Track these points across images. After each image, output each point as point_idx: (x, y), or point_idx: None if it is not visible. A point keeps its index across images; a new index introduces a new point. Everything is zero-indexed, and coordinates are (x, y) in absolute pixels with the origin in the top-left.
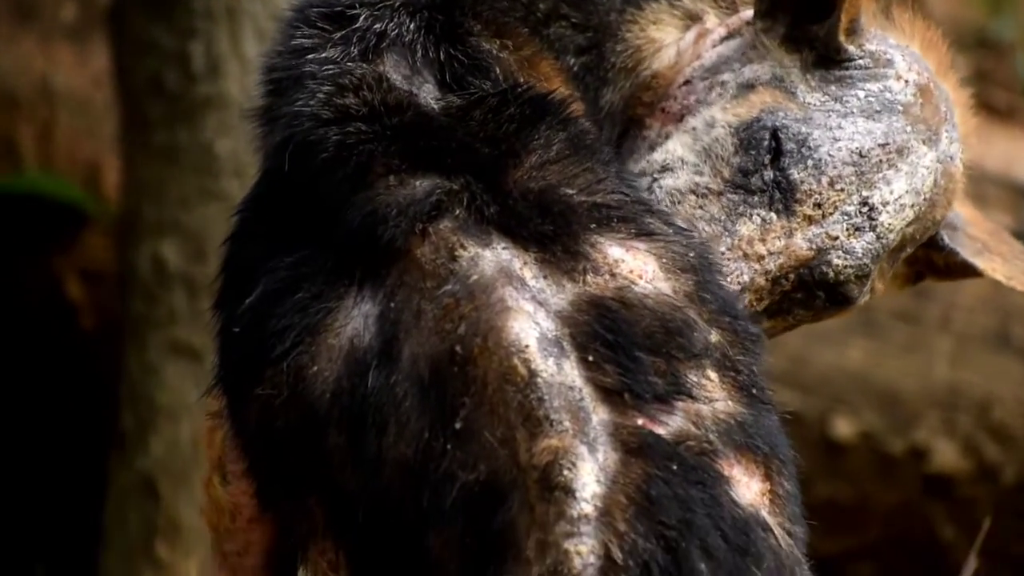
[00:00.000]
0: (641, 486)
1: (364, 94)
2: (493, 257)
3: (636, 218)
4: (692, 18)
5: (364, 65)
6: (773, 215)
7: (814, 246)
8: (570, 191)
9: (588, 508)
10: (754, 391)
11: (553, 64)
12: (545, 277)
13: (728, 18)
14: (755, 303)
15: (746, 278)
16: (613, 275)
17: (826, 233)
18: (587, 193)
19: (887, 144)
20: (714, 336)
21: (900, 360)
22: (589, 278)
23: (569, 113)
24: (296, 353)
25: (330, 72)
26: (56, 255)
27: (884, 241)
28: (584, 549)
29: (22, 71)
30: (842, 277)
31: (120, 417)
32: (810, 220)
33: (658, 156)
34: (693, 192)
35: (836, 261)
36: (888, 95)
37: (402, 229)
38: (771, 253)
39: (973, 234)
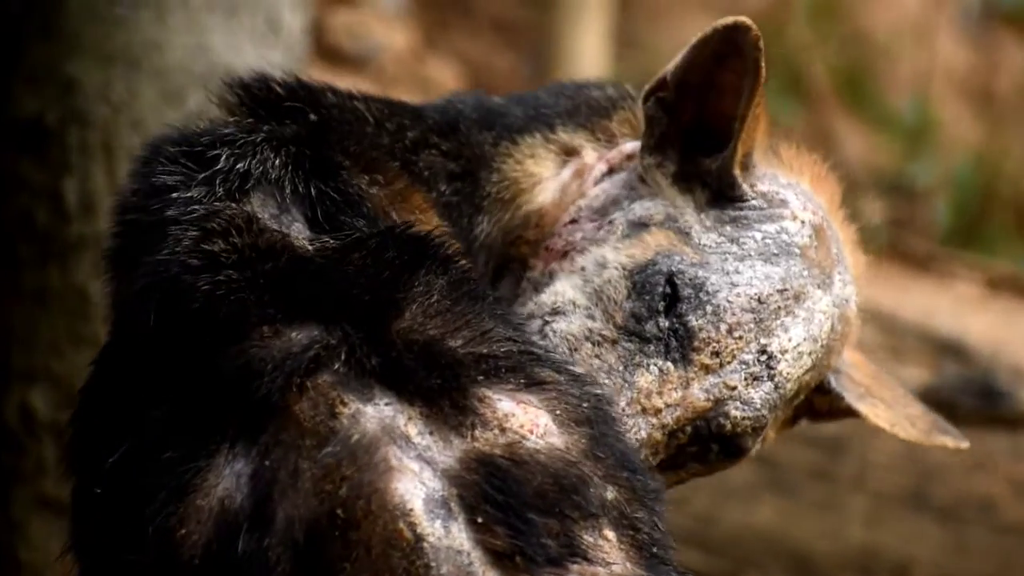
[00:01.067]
0: None
1: (233, 239)
2: (375, 413)
3: (525, 368)
4: (568, 152)
5: (232, 205)
6: (670, 364)
7: (711, 397)
8: (455, 342)
9: None
10: (654, 550)
11: (426, 196)
12: (431, 433)
13: (607, 151)
14: (651, 458)
15: (644, 434)
16: (503, 430)
17: (724, 383)
18: (474, 343)
19: (785, 289)
20: (610, 493)
21: (813, 520)
22: (478, 433)
23: (448, 254)
24: (164, 515)
25: (196, 215)
26: None
27: (782, 391)
28: None
29: None
30: (739, 429)
31: None
32: (707, 369)
33: (547, 298)
34: (588, 339)
35: (734, 412)
36: (785, 236)
37: (278, 385)
38: (668, 405)
39: (856, 378)
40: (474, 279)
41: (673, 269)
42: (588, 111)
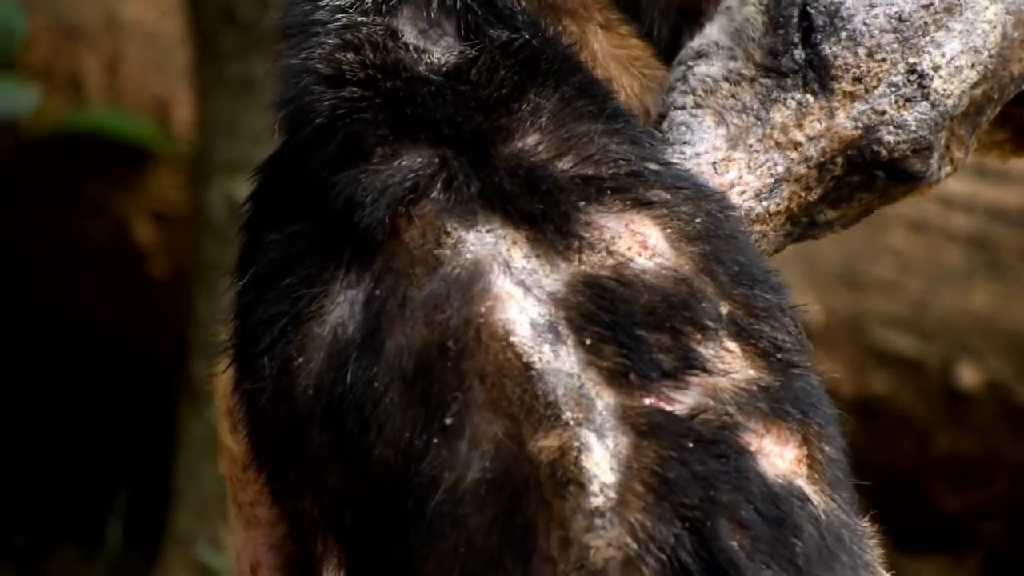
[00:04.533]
0: (656, 469)
1: (365, 54)
2: (477, 240)
3: (633, 188)
4: None
5: (377, 18)
6: (809, 96)
7: (860, 124)
8: (561, 166)
9: (601, 500)
10: (779, 355)
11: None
12: (537, 257)
13: None
14: (801, 194)
15: (780, 169)
16: (609, 252)
17: (872, 109)
18: (581, 166)
19: (931, 4)
20: (724, 308)
21: None
22: (584, 257)
23: (565, 67)
24: (283, 344)
25: (339, 24)
26: (123, 197)
27: (942, 109)
28: (601, 544)
29: (85, 0)
30: (896, 154)
31: (190, 366)
32: (852, 97)
33: (695, 43)
34: (727, 79)
35: (887, 138)
36: None
37: (379, 216)
38: (810, 138)
39: None
40: (594, 92)
41: None
42: None
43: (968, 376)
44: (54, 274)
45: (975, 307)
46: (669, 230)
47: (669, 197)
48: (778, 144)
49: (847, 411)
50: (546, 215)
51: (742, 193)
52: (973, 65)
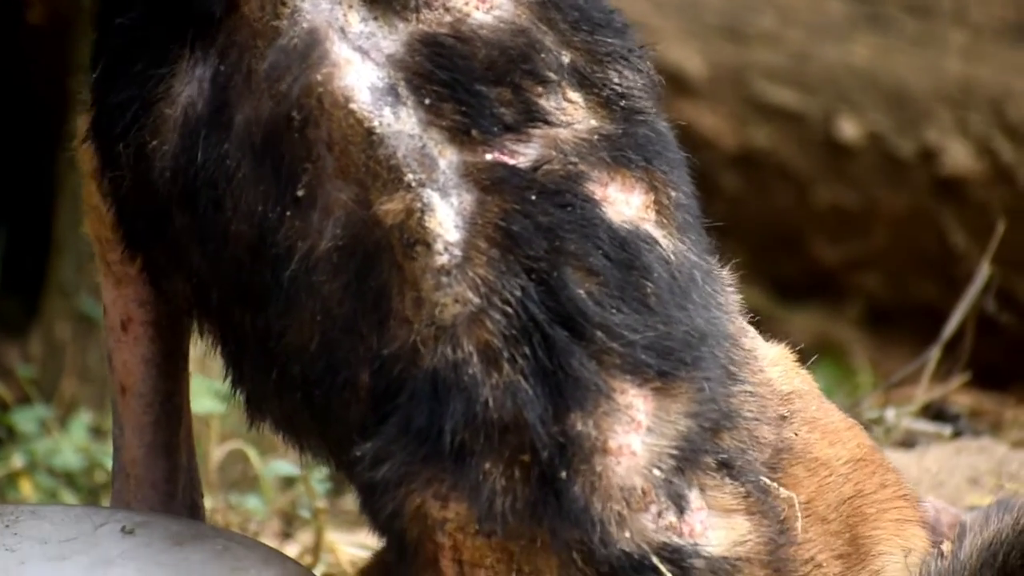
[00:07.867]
0: (500, 224)
1: None
2: (312, 7)
3: None
4: None
5: None
6: None
7: None
8: None
9: (446, 258)
10: (622, 104)
11: None
12: (375, 19)
13: None
14: None
15: None
16: (447, 9)
17: None
18: None
19: None
20: (566, 57)
21: (909, 55)
22: (422, 15)
23: None
24: (136, 129)
25: None
26: None
27: None
28: (449, 300)
29: None
30: None
31: (69, 118)
32: None
33: None
34: None
35: None
36: None
37: None
38: None
39: None
40: None
41: None
42: None
43: (849, 128)
44: None
45: (856, 60)
46: None
47: None
48: None
49: (728, 163)
50: None
51: None
52: None
